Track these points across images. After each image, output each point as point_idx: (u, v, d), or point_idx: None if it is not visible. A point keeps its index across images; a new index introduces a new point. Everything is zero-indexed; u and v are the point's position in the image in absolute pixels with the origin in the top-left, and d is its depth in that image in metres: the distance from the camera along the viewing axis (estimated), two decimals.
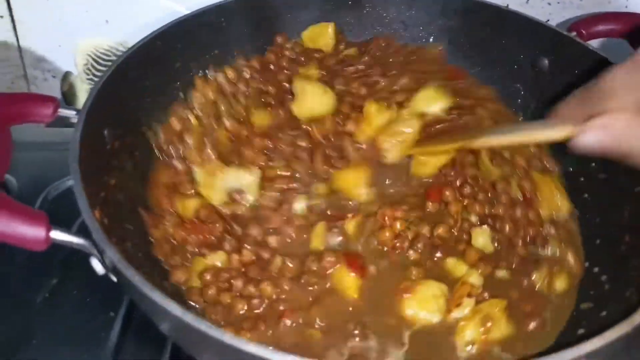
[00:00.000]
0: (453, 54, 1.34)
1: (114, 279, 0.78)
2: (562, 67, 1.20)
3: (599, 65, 1.12)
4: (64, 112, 0.93)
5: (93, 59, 1.58)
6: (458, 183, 1.01)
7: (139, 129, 1.10)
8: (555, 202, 1.00)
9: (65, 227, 0.80)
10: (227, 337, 0.60)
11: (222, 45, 1.25)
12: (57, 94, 1.55)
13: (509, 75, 1.28)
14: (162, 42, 1.12)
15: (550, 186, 1.03)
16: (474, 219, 0.97)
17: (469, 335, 0.81)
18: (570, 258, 0.95)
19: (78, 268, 0.96)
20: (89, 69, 1.59)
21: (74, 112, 0.93)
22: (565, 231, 1.00)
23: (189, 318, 0.62)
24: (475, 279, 0.87)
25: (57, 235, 0.76)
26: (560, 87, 1.20)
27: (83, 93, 1.55)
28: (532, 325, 0.84)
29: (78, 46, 1.56)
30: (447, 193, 0.98)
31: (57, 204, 1.28)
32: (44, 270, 1.15)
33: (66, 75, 1.58)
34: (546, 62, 1.22)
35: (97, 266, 0.79)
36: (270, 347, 0.59)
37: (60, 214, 0.81)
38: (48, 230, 0.76)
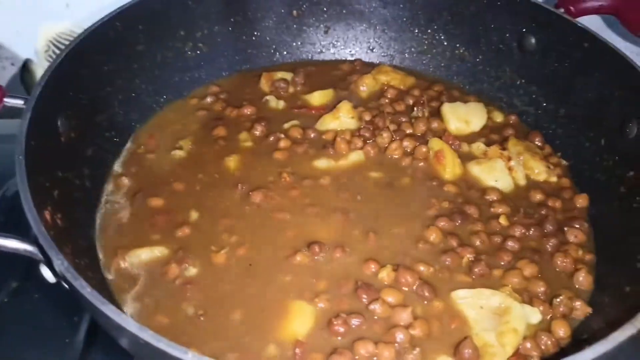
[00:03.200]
0: (435, 34, 1.27)
1: (66, 286, 0.70)
2: (550, 46, 1.14)
3: (589, 43, 1.06)
4: (11, 101, 0.85)
5: (55, 45, 1.48)
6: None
7: (99, 118, 1.02)
8: None
9: (21, 231, 0.72)
10: (190, 356, 0.53)
11: (188, 25, 1.16)
12: (17, 83, 1.46)
13: (495, 56, 1.22)
14: (121, 23, 1.04)
15: None
16: None
17: None
18: None
19: (40, 271, 0.88)
20: (50, 56, 1.49)
21: (22, 102, 0.84)
22: None
23: (146, 335, 0.55)
24: None
25: (1, 242, 0.68)
26: (549, 67, 1.15)
27: None
28: None
29: (38, 32, 1.47)
30: None
31: (16, 201, 1.19)
32: (2, 273, 1.07)
33: (26, 63, 1.49)
34: (533, 40, 1.16)
35: (47, 274, 0.71)
36: None
37: (20, 213, 0.73)
38: None
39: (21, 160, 0.73)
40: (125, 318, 0.57)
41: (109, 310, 0.58)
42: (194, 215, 0.95)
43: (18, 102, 0.85)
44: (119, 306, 0.83)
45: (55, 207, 0.80)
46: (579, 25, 1.08)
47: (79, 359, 0.95)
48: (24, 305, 1.03)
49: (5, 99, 0.84)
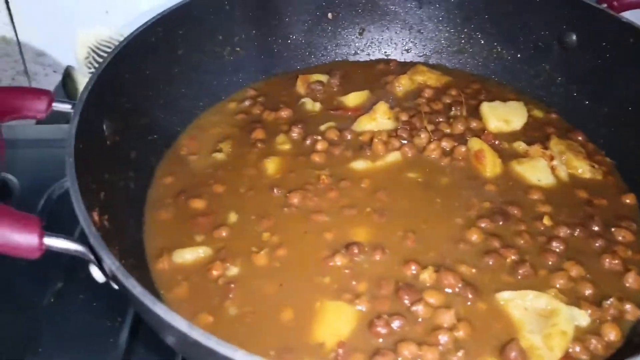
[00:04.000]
0: (472, 33, 1.26)
1: (116, 287, 0.72)
2: (591, 43, 1.12)
3: (634, 38, 1.04)
4: (59, 106, 0.87)
5: (94, 52, 1.52)
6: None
7: (142, 122, 1.04)
8: None
9: (66, 232, 0.74)
10: (239, 355, 0.54)
11: (226, 30, 1.18)
12: (59, 89, 1.50)
13: (534, 54, 1.20)
14: (162, 28, 1.05)
15: None
16: None
17: None
18: None
19: (84, 271, 0.91)
20: (90, 63, 1.54)
21: (70, 106, 0.87)
22: None
23: (196, 334, 0.55)
24: None
25: (52, 242, 0.70)
26: (590, 64, 1.12)
27: None
28: None
29: (78, 38, 1.51)
30: None
31: (61, 204, 1.22)
32: (48, 273, 1.10)
33: (67, 70, 1.53)
34: (574, 37, 1.14)
35: (97, 274, 0.73)
36: None
37: (64, 215, 0.75)
38: (41, 236, 0.70)
39: (71, 162, 0.75)
40: (176, 317, 0.58)
41: (159, 309, 0.59)
42: (233, 217, 0.96)
43: (66, 107, 0.87)
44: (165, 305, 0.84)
45: (102, 209, 0.82)
46: (624, 20, 1.05)
47: (122, 356, 0.97)
48: (68, 306, 1.05)
49: (54, 104, 0.87)
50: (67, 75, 1.55)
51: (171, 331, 0.60)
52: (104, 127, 0.92)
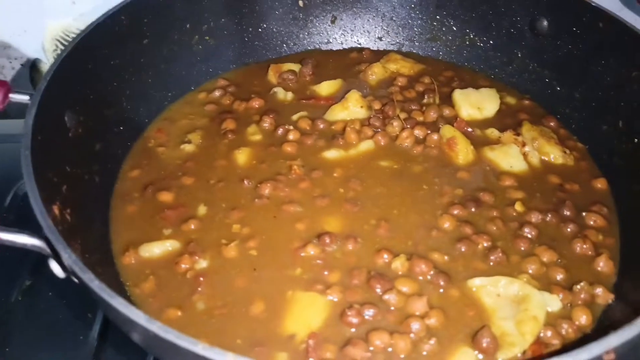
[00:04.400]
0: (445, 20, 1.25)
1: (77, 281, 0.69)
2: (563, 28, 1.11)
3: (604, 23, 1.03)
4: (16, 97, 0.85)
5: (62, 44, 1.48)
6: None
7: (107, 113, 1.01)
8: None
9: (33, 229, 0.71)
10: (200, 348, 0.52)
11: (194, 18, 1.15)
12: (24, 81, 1.46)
13: (506, 40, 1.20)
14: (127, 16, 1.03)
15: None
16: None
17: None
18: None
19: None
20: (58, 55, 1.49)
21: (27, 97, 0.84)
22: None
23: (155, 327, 0.53)
24: None
25: (6, 236, 0.68)
26: (562, 50, 1.12)
27: None
28: None
29: (46, 30, 1.46)
30: None
31: (27, 201, 1.19)
32: (14, 270, 1.07)
33: (34, 63, 1.49)
34: (545, 23, 1.14)
35: (56, 269, 0.70)
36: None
37: (32, 213, 0.72)
38: None
39: (27, 155, 0.72)
40: (134, 310, 0.56)
41: (117, 303, 0.57)
42: (202, 209, 0.94)
43: (24, 98, 0.84)
44: (131, 301, 0.82)
45: (64, 202, 0.80)
46: (594, 4, 1.05)
47: (92, 355, 0.94)
48: (37, 303, 1.02)
49: (11, 95, 0.84)
50: (34, 68, 1.50)
51: (131, 326, 0.58)
52: (66, 118, 0.89)
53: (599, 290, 0.82)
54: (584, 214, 0.93)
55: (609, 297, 0.82)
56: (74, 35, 1.44)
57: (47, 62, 1.50)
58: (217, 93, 1.17)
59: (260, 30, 1.26)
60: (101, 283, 0.59)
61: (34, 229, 0.77)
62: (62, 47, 1.47)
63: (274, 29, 1.27)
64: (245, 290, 0.83)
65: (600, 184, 0.99)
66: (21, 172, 1.21)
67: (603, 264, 0.85)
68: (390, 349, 0.75)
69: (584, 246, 0.88)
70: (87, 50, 0.95)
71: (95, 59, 0.98)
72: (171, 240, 0.89)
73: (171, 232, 0.91)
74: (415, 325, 0.77)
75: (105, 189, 0.96)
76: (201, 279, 0.84)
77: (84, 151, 0.93)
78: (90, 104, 0.97)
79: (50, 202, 0.72)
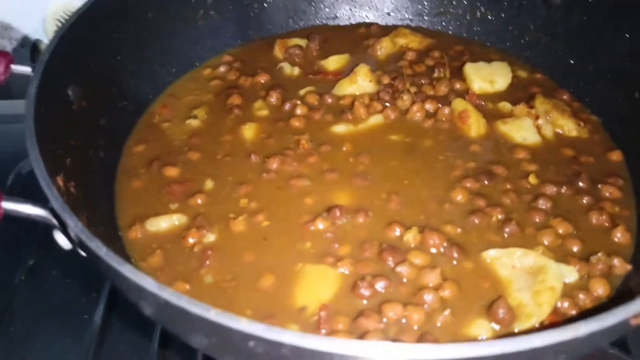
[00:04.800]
0: None
1: (83, 254, 0.68)
2: (576, 0, 1.08)
3: None
4: (19, 68, 0.83)
5: None
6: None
7: (111, 88, 0.99)
8: None
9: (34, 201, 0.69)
10: (213, 314, 0.50)
11: None
12: (25, 59, 1.44)
13: (518, 13, 1.17)
14: None
15: None
16: None
17: None
18: None
19: (56, 248, 0.87)
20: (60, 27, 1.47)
21: (30, 69, 0.82)
22: None
23: (166, 294, 0.52)
24: None
25: (11, 205, 0.66)
26: (575, 23, 1.09)
27: None
28: None
29: (47, 10, 1.44)
30: None
31: (32, 180, 1.18)
32: (19, 250, 1.06)
33: (35, 44, 1.47)
34: None
35: (62, 240, 0.69)
36: (264, 325, 0.49)
37: (37, 192, 0.71)
38: None
39: (30, 125, 0.71)
40: (144, 277, 0.54)
41: (126, 270, 0.55)
42: (209, 184, 0.93)
43: (26, 70, 0.82)
44: None
45: (68, 175, 0.78)
46: None
47: (98, 335, 0.93)
48: (40, 282, 1.02)
49: (13, 66, 0.82)
50: (35, 49, 1.48)
51: (142, 294, 0.56)
52: (69, 91, 0.87)
53: (616, 261, 0.80)
54: (599, 185, 0.91)
55: (627, 268, 0.80)
56: None
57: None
58: (222, 69, 1.15)
59: (266, 5, 1.24)
60: (109, 250, 0.57)
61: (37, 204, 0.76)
62: None
63: (280, 4, 1.25)
64: (254, 264, 0.81)
65: (616, 156, 0.97)
66: (24, 152, 1.21)
67: (620, 235, 0.84)
68: (404, 321, 0.73)
69: (601, 217, 0.86)
70: (90, 22, 0.93)
71: (97, 31, 0.96)
72: (178, 215, 0.87)
73: (178, 206, 0.89)
74: (429, 297, 0.75)
75: (110, 164, 0.95)
76: (209, 252, 0.82)
77: (89, 125, 0.91)
78: (94, 78, 0.95)
79: (54, 174, 0.70)
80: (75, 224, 0.60)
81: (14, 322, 0.96)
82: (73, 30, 0.89)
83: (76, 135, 0.86)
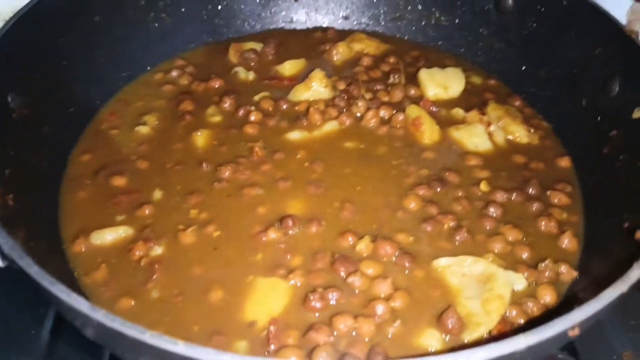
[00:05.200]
0: (409, 2, 1.23)
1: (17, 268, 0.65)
2: (527, 6, 1.10)
3: (568, 1, 1.02)
4: None
5: None
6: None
7: (56, 94, 0.95)
8: None
9: None
10: (148, 336, 0.48)
11: None
12: None
13: (472, 19, 1.18)
14: None
15: None
16: None
17: None
18: None
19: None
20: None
21: None
22: None
23: (99, 315, 0.50)
24: None
25: None
26: (528, 29, 1.11)
27: None
28: None
29: None
30: None
31: None
32: None
33: None
34: (510, 2, 1.12)
35: None
36: (202, 349, 0.47)
37: None
38: None
39: None
40: (76, 298, 0.52)
41: (58, 290, 0.52)
42: (158, 194, 0.90)
43: None
44: (81, 291, 0.78)
45: (6, 187, 0.75)
46: None
47: (45, 351, 0.89)
48: None
49: None
50: None
51: (75, 315, 0.54)
52: (9, 99, 0.84)
53: (563, 268, 0.81)
54: (548, 192, 0.92)
55: (573, 274, 0.81)
56: None
57: None
58: (174, 73, 1.12)
59: (220, 7, 1.21)
60: (40, 269, 0.54)
61: None
62: None
63: (235, 7, 1.22)
64: (202, 278, 0.79)
65: (565, 162, 0.99)
66: None
67: (567, 242, 0.85)
68: (354, 333, 0.73)
69: (550, 224, 0.87)
70: (32, 25, 0.89)
71: (40, 35, 0.92)
72: (124, 227, 0.84)
73: (124, 218, 0.86)
74: (380, 308, 0.74)
75: (54, 174, 0.91)
76: (156, 266, 0.80)
77: (30, 134, 0.88)
78: (37, 84, 0.91)
79: None
80: (5, 242, 0.57)
81: None
82: (14, 33, 0.85)
83: (16, 145, 0.83)
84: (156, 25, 1.14)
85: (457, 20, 1.20)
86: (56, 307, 0.59)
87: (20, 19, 0.87)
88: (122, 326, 0.49)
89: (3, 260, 0.65)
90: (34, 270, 0.54)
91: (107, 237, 0.83)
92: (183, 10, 1.17)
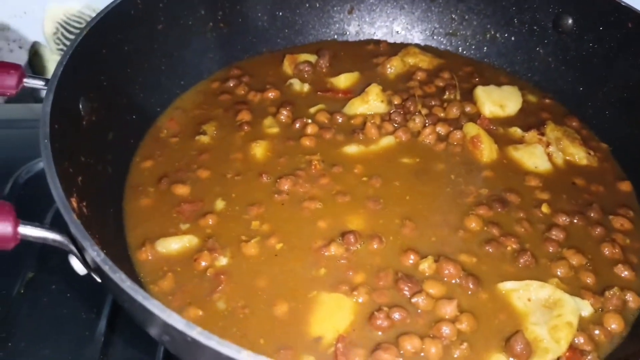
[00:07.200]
0: (465, 15, 1.22)
1: (98, 279, 0.66)
2: (588, 27, 1.09)
3: (632, 22, 1.02)
4: (31, 82, 0.80)
5: (63, 27, 1.43)
6: None
7: (120, 101, 0.97)
8: None
9: (37, 218, 0.67)
10: (225, 348, 0.49)
11: (208, 4, 1.11)
12: (26, 67, 1.41)
13: (528, 37, 1.17)
14: (142, 0, 0.98)
15: None
16: None
17: None
18: None
19: (56, 260, 0.84)
20: (59, 38, 1.44)
21: (42, 82, 0.79)
22: None
23: (195, 333, 0.50)
24: None
25: (28, 231, 0.64)
26: (586, 49, 1.10)
27: (53, 64, 1.40)
28: None
29: (46, 12, 1.41)
30: None
31: (29, 188, 1.14)
32: (17, 262, 1.02)
33: (34, 46, 1.44)
34: (570, 21, 1.11)
35: (77, 266, 0.66)
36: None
37: (33, 200, 0.69)
38: (16, 225, 0.63)
39: (47, 145, 0.68)
40: (171, 314, 0.52)
41: (153, 305, 0.53)
42: (220, 204, 0.91)
43: (38, 83, 0.80)
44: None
45: (80, 195, 0.76)
46: (622, 3, 1.03)
47: (100, 351, 0.91)
48: (40, 296, 0.99)
49: (25, 80, 0.79)
50: (34, 52, 1.45)
51: (166, 329, 0.55)
52: (80, 105, 0.85)
53: (629, 296, 0.80)
54: (610, 217, 0.92)
55: None
56: (75, 19, 1.40)
57: (46, 46, 1.45)
58: (231, 83, 1.13)
59: (274, 18, 1.22)
60: (133, 284, 0.55)
61: (39, 220, 0.73)
62: (63, 31, 1.42)
63: (289, 18, 1.23)
64: (267, 290, 0.80)
65: (625, 186, 0.98)
66: (19, 159, 1.18)
67: (627, 273, 0.84)
68: (422, 354, 0.73)
69: (614, 250, 0.86)
70: (101, 34, 0.91)
71: (108, 44, 0.94)
72: (189, 236, 0.85)
73: (189, 227, 0.87)
74: (446, 330, 0.74)
75: (118, 181, 0.92)
76: (222, 277, 0.80)
77: (97, 140, 0.89)
78: (104, 91, 0.92)
79: (69, 195, 0.68)
80: (97, 254, 0.58)
81: (13, 336, 0.93)
82: (84, 44, 0.86)
83: (86, 151, 0.84)
84: (214, 34, 1.15)
85: (513, 38, 1.20)
86: (141, 319, 0.60)
87: (92, 29, 0.88)
88: (219, 345, 0.50)
89: (85, 268, 0.66)
90: (127, 285, 0.55)
91: (173, 245, 0.84)
92: (240, 20, 1.18)
